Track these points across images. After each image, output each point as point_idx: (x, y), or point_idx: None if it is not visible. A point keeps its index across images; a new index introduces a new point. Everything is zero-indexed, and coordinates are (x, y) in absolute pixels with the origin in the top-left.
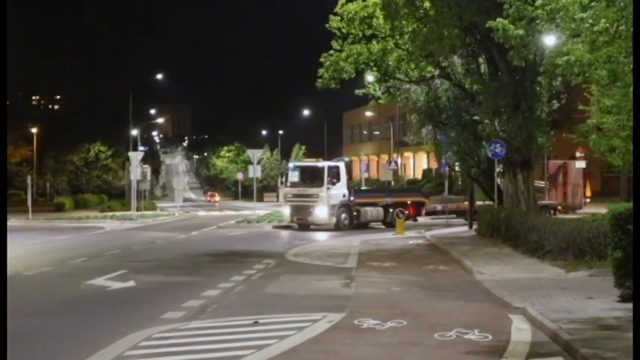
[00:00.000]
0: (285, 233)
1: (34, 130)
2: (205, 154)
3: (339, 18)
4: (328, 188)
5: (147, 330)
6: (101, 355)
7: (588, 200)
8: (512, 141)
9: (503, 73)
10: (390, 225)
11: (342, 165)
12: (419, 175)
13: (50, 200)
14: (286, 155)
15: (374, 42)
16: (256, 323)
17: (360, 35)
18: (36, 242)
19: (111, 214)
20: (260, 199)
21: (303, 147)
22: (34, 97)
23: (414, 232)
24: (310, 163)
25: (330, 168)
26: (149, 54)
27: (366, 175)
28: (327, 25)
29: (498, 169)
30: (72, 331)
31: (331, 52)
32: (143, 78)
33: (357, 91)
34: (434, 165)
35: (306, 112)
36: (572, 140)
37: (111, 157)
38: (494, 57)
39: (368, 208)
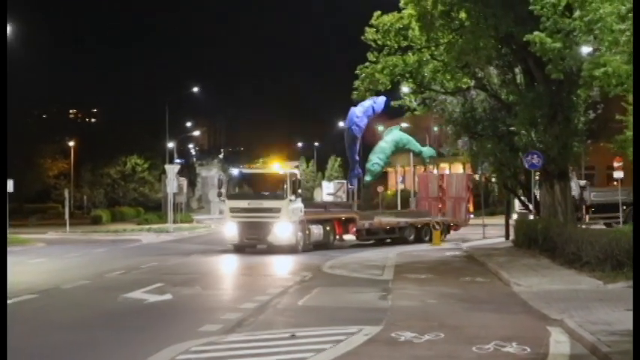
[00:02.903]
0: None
1: (71, 144)
2: (241, 166)
3: (375, 30)
4: (291, 200)
5: (184, 343)
6: None
7: (472, 215)
8: (548, 152)
9: (539, 84)
10: (324, 246)
11: (299, 173)
12: None
13: (87, 213)
14: (322, 167)
15: (409, 53)
16: (293, 336)
17: (396, 47)
18: (73, 255)
19: (147, 226)
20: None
21: (339, 159)
22: (71, 111)
23: (450, 243)
24: (265, 169)
25: (291, 175)
26: (185, 66)
27: (402, 186)
28: (362, 37)
29: (535, 179)
30: (110, 345)
31: (367, 63)
32: (180, 91)
33: (392, 103)
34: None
35: (341, 124)
36: (610, 150)
37: (147, 170)
38: (530, 67)
39: (313, 226)
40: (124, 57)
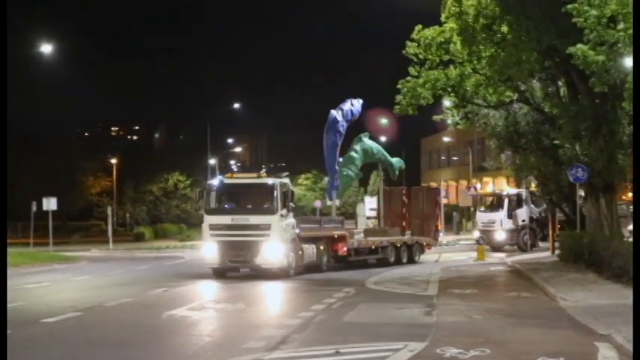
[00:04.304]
0: None
1: (113, 161)
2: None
3: (416, 44)
4: (283, 216)
5: None
6: None
7: (442, 233)
8: (593, 165)
9: (583, 97)
10: (317, 268)
11: (290, 183)
12: None
13: (130, 230)
14: (363, 182)
15: (451, 67)
16: (337, 353)
17: (437, 61)
18: (117, 273)
19: (190, 243)
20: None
21: (382, 173)
22: (113, 128)
23: (494, 258)
24: (252, 179)
25: (282, 186)
26: (227, 83)
27: (445, 200)
28: (403, 52)
29: (580, 193)
30: None
31: (408, 78)
32: (221, 107)
33: (434, 117)
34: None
35: (383, 139)
36: None
37: (189, 187)
38: (573, 80)
39: (306, 245)
40: (166, 73)
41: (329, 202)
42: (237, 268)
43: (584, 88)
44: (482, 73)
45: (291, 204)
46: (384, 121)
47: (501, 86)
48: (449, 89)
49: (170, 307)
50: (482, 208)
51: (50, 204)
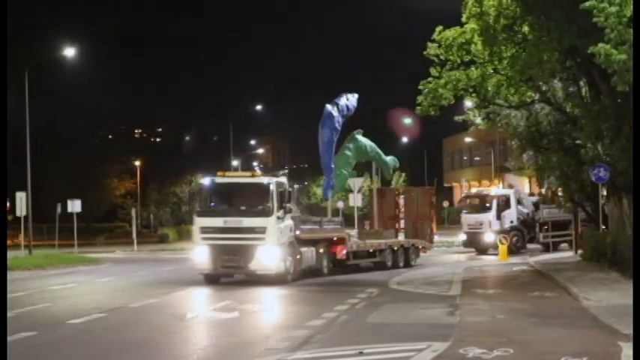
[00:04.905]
0: None
1: (137, 163)
2: (305, 182)
3: (437, 45)
4: (279, 218)
5: None
6: None
7: (437, 236)
8: (615, 164)
9: (604, 96)
10: (317, 273)
11: (287, 182)
12: None
13: (154, 232)
14: (386, 183)
15: (472, 68)
16: (361, 354)
17: (459, 61)
18: (141, 274)
19: None
20: (361, 227)
21: (403, 174)
22: (136, 131)
23: (518, 258)
24: (245, 178)
25: (278, 185)
26: (249, 85)
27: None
28: (425, 53)
29: (603, 193)
30: None
31: (429, 79)
32: (243, 109)
33: (456, 118)
34: (536, 190)
35: (404, 139)
36: None
37: None
38: (595, 80)
39: (305, 248)
40: (190, 75)
41: (352, 203)
42: (230, 273)
43: (606, 87)
44: (503, 73)
45: (289, 205)
46: (407, 120)
47: (523, 86)
48: (470, 90)
49: (193, 308)
50: (465, 210)
51: (75, 206)
